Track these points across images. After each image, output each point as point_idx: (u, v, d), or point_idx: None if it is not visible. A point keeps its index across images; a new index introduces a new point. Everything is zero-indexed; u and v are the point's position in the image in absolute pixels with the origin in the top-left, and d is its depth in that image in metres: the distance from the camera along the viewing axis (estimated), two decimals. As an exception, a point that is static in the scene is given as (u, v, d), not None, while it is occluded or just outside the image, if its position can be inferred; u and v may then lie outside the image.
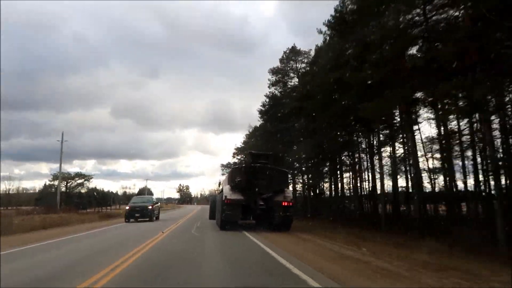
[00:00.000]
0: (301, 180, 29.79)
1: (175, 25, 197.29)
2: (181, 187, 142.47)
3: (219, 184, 23.56)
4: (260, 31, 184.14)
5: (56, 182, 44.32)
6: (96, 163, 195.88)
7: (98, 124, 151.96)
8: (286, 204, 13.50)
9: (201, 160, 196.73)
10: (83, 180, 53.96)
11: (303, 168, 27.26)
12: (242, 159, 39.53)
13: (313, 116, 19.75)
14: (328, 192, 24.71)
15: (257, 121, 31.88)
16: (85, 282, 4.74)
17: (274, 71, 28.00)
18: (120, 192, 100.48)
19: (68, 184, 51.07)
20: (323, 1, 43.68)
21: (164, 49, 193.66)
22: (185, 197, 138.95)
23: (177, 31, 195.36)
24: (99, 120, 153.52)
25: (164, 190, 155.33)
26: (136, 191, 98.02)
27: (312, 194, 26.93)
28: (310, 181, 26.74)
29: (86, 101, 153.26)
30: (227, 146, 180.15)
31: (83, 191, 54.97)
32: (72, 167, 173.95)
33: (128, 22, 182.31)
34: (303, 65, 26.54)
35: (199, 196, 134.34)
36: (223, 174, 41.91)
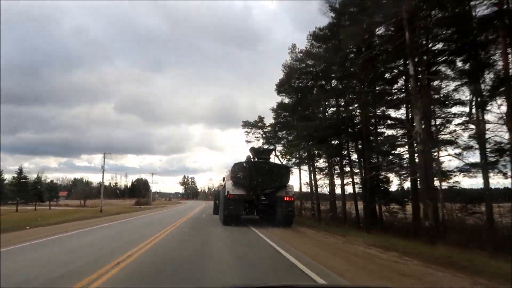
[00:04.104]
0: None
1: (178, 19, 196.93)
2: (185, 180, 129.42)
3: (223, 179, 23.69)
4: (263, 25, 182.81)
5: None
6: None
7: (104, 119, 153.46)
8: (288, 199, 13.59)
9: (208, 156, 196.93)
10: None
11: None
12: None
13: None
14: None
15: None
16: None
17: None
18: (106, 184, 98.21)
19: None
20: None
21: (167, 43, 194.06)
22: (190, 191, 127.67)
23: (181, 25, 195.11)
24: (105, 115, 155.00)
25: (163, 184, 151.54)
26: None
27: None
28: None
29: (91, 96, 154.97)
30: (232, 142, 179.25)
31: None
32: (80, 161, 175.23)
33: (130, 16, 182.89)
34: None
35: (206, 190, 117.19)
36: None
